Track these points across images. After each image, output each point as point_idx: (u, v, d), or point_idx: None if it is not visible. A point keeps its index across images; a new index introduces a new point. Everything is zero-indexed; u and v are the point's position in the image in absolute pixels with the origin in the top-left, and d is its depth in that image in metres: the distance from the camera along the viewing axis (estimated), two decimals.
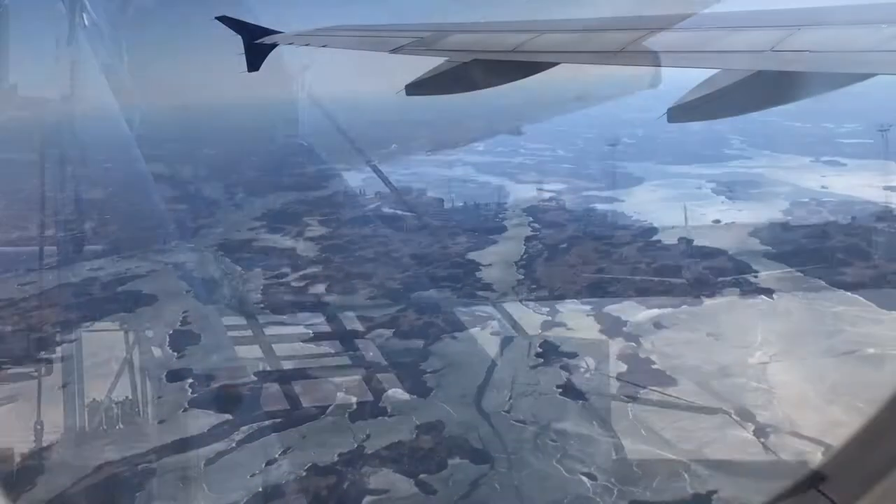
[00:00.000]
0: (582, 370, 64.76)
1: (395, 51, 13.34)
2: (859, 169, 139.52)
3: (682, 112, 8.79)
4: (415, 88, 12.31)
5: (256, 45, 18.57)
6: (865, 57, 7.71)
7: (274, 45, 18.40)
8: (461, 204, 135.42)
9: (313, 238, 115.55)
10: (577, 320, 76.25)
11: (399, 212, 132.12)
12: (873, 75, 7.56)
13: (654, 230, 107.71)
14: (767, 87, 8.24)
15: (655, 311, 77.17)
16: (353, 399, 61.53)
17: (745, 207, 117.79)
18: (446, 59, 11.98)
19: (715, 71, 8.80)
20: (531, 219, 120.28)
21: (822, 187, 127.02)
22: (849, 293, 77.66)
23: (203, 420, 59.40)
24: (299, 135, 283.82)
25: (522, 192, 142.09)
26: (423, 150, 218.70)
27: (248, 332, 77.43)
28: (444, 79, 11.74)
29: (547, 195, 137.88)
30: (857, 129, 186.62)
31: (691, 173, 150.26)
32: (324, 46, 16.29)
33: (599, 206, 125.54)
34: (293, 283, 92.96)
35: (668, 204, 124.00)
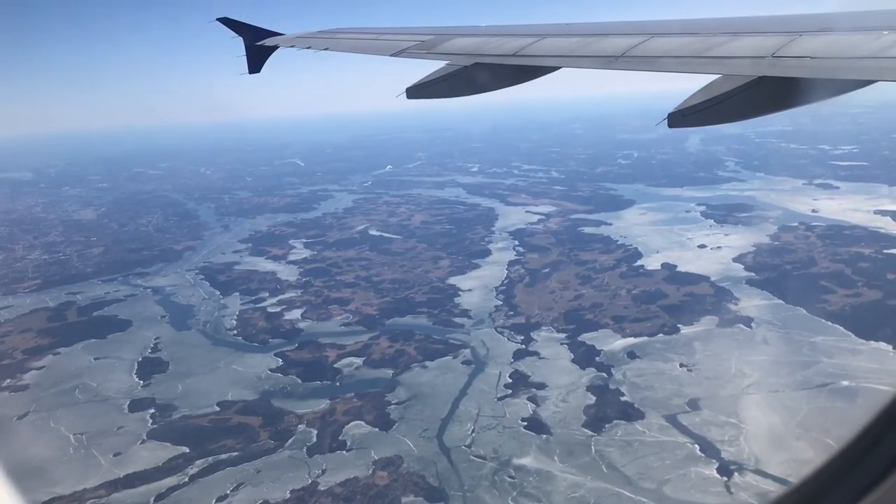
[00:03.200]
0: (549, 402, 63.44)
1: (396, 54, 13.13)
2: (851, 192, 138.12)
3: (682, 117, 8.45)
4: (416, 91, 11.77)
5: (257, 47, 18.13)
6: (866, 64, 7.39)
7: (275, 48, 17.87)
8: (449, 226, 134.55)
9: (296, 261, 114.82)
10: (551, 349, 75.02)
11: (385, 234, 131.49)
12: (873, 82, 7.20)
13: (638, 255, 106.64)
14: (768, 93, 8.01)
15: (630, 340, 75.93)
16: (314, 431, 60.39)
17: (733, 231, 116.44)
18: (448, 62, 11.75)
19: (716, 76, 8.41)
20: (516, 242, 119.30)
21: (813, 211, 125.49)
22: (828, 322, 76.24)
23: (159, 453, 58.32)
24: (297, 154, 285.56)
25: (511, 215, 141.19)
26: (419, 171, 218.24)
27: (217, 360, 76.62)
28: (446, 82, 11.46)
29: (535, 218, 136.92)
30: (852, 152, 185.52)
31: (682, 196, 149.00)
32: (325, 49, 15.55)
33: (587, 230, 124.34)
34: (269, 309, 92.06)
35: (655, 227, 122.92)
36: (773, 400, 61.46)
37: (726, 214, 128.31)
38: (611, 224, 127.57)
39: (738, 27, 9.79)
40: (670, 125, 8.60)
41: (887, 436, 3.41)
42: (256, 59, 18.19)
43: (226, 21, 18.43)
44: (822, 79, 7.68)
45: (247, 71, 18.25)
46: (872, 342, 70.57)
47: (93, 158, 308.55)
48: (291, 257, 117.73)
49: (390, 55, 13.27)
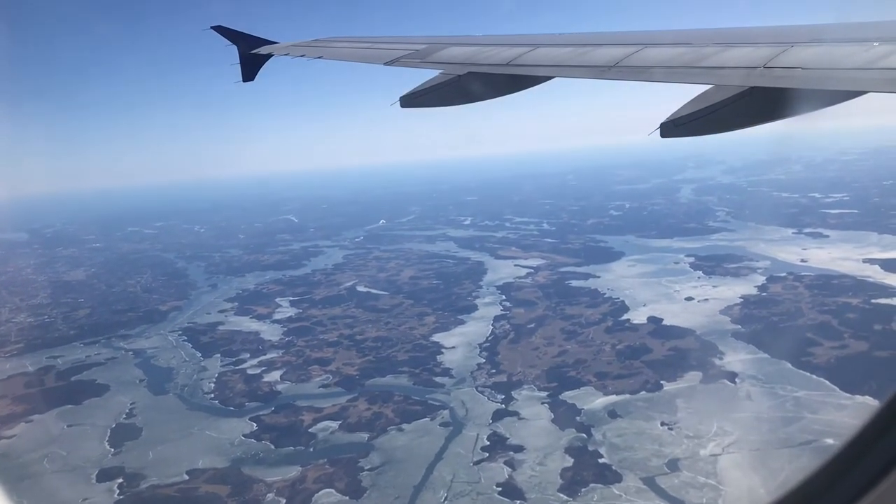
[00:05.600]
0: (526, 465, 61.92)
1: (390, 62, 13.18)
2: (841, 241, 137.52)
3: (674, 127, 8.44)
4: (409, 100, 11.76)
5: (252, 55, 18.16)
6: (856, 75, 7.49)
7: (269, 56, 17.89)
8: (437, 282, 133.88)
9: (280, 320, 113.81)
10: (531, 408, 73.66)
11: (373, 291, 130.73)
12: (864, 93, 7.27)
13: (624, 308, 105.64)
14: (759, 103, 8.09)
15: (612, 398, 74.56)
16: (282, 501, 58.87)
17: (721, 283, 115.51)
18: (441, 71, 11.84)
19: (708, 86, 8.55)
20: (504, 297, 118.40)
21: (802, 260, 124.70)
22: (813, 376, 74.96)
23: None
24: (292, 210, 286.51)
25: (500, 269, 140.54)
26: (411, 225, 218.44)
27: (192, 426, 75.22)
28: (439, 91, 11.52)
29: (524, 271, 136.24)
30: (843, 199, 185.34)
31: (672, 247, 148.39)
32: (319, 58, 15.54)
33: (574, 283, 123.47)
34: (249, 371, 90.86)
35: (643, 280, 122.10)
36: (753, 459, 59.98)
37: (715, 265, 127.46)
38: (599, 277, 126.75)
39: (730, 38, 9.88)
40: (662, 135, 8.59)
41: (884, 437, 3.44)
42: (250, 67, 18.26)
43: (220, 29, 18.54)
44: (813, 89, 7.76)
45: (241, 79, 18.35)
46: (858, 396, 69.22)
47: (90, 218, 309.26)
48: (276, 316, 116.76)
49: (384, 63, 13.28)
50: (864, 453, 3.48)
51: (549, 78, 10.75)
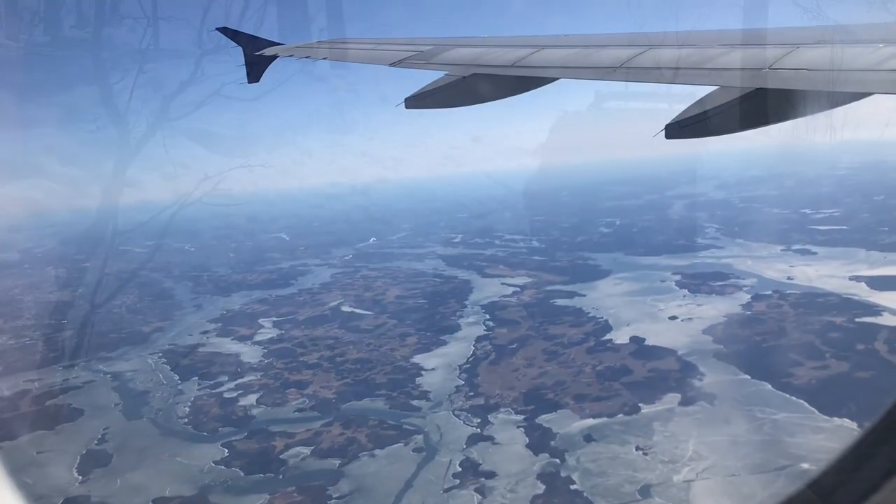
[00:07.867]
0: (497, 493, 60.94)
1: (394, 64, 13.09)
2: (828, 258, 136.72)
3: (679, 129, 8.58)
4: (414, 101, 11.90)
5: (257, 56, 17.90)
6: (862, 76, 7.53)
7: (274, 57, 17.68)
8: (422, 301, 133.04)
9: (262, 342, 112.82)
10: (507, 433, 72.70)
11: (357, 311, 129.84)
12: (869, 94, 7.32)
13: (607, 328, 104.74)
14: (764, 104, 8.14)
15: (589, 422, 73.60)
16: None
17: (706, 301, 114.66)
18: (446, 72, 11.83)
19: (713, 87, 8.64)
20: (487, 316, 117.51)
21: (788, 278, 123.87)
22: (793, 398, 74.06)
23: None
24: (284, 228, 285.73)
25: (486, 287, 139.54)
26: (401, 243, 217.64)
27: (162, 452, 74.16)
28: (444, 92, 11.61)
29: (510, 290, 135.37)
30: (833, 215, 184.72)
31: (659, 264, 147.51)
32: (324, 59, 15.76)
33: (559, 302, 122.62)
34: (226, 394, 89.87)
35: (628, 298, 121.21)
36: (727, 485, 59.06)
37: (701, 283, 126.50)
38: (584, 295, 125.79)
39: (736, 39, 9.91)
40: (667, 136, 8.68)
41: (883, 446, 3.46)
42: (256, 68, 18.14)
43: (225, 31, 18.43)
44: (818, 91, 7.76)
45: (246, 80, 18.23)
46: (836, 419, 68.36)
47: (84, 237, 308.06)
48: (258, 337, 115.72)
49: (389, 65, 13.18)
50: (862, 461, 3.48)
51: (554, 79, 10.75)
